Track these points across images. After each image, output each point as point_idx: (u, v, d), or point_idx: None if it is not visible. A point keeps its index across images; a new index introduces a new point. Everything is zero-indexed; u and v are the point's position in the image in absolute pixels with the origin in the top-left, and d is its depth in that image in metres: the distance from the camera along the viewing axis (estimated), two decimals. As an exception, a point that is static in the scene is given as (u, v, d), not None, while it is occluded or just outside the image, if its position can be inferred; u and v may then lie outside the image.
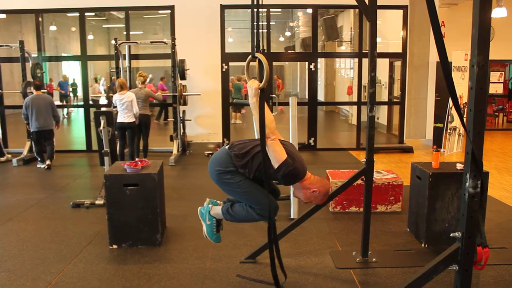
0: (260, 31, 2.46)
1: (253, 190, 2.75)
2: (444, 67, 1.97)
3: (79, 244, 4.02)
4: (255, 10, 2.41)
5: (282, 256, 3.68)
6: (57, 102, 14.12)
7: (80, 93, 17.33)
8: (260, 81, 2.45)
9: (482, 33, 1.83)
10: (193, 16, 8.71)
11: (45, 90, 8.30)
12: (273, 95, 8.60)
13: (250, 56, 2.47)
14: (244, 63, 2.64)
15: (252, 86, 2.45)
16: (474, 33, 1.85)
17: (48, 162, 7.25)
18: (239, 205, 2.90)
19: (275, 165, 2.54)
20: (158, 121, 13.37)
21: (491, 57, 1.89)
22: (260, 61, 2.41)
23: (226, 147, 2.82)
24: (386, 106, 11.12)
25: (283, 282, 3.06)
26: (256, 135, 4.65)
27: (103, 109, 9.57)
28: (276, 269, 2.82)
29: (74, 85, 17.65)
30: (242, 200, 2.84)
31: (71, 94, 17.49)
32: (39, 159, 7.36)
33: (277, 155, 2.53)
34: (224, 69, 8.88)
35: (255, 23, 2.40)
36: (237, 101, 12.33)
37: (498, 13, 8.64)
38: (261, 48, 2.44)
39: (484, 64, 1.85)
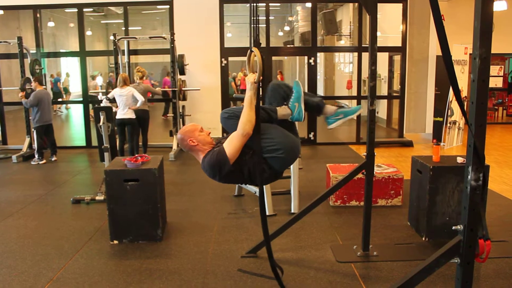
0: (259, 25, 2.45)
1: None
2: (446, 58, 1.95)
3: (80, 240, 4.02)
4: (254, 4, 2.40)
5: (283, 250, 3.71)
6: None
7: (75, 89, 17.10)
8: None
9: (484, 25, 1.81)
10: (192, 11, 8.68)
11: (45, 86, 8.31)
12: None
13: (249, 51, 2.47)
14: (244, 58, 2.64)
15: (249, 80, 2.44)
16: (476, 25, 1.83)
17: (54, 157, 7.60)
18: None
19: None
20: (165, 116, 13.29)
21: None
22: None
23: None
24: (385, 100, 11.11)
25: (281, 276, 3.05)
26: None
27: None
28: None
29: (66, 82, 17.34)
30: None
31: (63, 91, 17.04)
32: (37, 155, 7.36)
33: (230, 146, 2.54)
34: (223, 64, 8.87)
35: (254, 18, 2.39)
36: (236, 95, 12.33)
37: (498, 6, 8.59)
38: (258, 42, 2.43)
39: (486, 57, 1.84)
